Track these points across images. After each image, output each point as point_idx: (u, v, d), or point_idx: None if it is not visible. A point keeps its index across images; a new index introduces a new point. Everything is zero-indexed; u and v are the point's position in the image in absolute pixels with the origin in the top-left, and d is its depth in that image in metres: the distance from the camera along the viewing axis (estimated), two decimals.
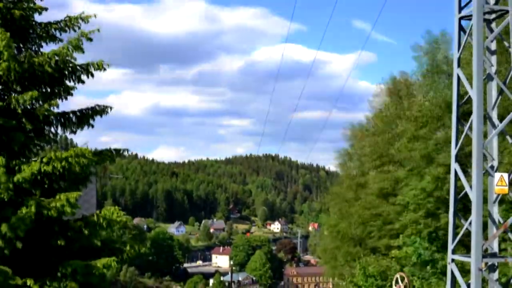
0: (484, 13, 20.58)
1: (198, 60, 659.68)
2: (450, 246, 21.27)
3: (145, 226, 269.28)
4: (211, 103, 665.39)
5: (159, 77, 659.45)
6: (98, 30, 17.54)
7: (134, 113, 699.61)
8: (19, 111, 16.10)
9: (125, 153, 18.37)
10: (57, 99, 17.30)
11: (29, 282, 14.90)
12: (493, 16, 21.17)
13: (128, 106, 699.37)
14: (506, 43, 21.80)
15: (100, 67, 17.62)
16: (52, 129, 17.60)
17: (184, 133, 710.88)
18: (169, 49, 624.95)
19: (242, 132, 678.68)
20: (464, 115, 22.99)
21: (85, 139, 17.88)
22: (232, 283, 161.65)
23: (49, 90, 17.53)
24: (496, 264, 21.22)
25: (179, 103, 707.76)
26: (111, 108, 18.19)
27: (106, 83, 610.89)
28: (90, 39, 17.36)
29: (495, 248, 21.03)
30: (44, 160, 15.58)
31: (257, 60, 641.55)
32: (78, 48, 17.15)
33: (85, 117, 17.82)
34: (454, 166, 21.22)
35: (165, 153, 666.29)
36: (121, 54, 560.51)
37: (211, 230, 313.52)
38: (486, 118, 21.06)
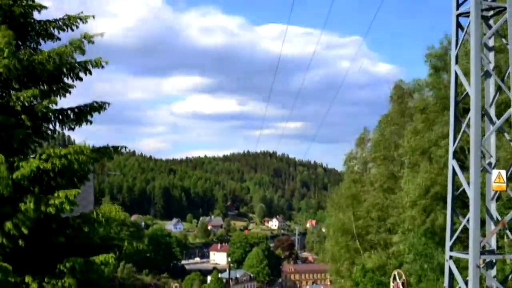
0: (482, 10, 20.62)
1: (286, 73, 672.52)
2: (448, 243, 21.30)
3: (143, 223, 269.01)
4: (276, 109, 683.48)
5: (238, 86, 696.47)
6: (102, 35, 17.58)
7: (185, 117, 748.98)
8: (18, 108, 16.10)
9: (123, 150, 18.36)
10: (56, 96, 17.32)
11: (27, 279, 14.92)
12: (491, 13, 21.19)
13: (182, 110, 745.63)
14: (504, 40, 21.80)
15: (98, 64, 17.63)
16: (50, 126, 17.64)
17: (227, 135, 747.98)
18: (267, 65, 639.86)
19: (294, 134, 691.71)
20: (462, 112, 23.01)
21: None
22: (230, 280, 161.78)
23: (47, 87, 17.54)
24: (494, 261, 21.26)
25: (241, 109, 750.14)
26: (108, 104, 18.18)
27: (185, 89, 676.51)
28: (92, 42, 17.39)
29: (493, 245, 21.06)
30: (43, 157, 15.57)
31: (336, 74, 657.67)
32: (80, 49, 17.18)
33: (82, 114, 17.80)
34: (452, 163, 21.24)
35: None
36: (217, 65, 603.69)
37: (209, 227, 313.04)
38: (484, 115, 21.09)
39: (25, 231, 14.79)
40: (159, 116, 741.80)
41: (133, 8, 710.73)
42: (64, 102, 17.79)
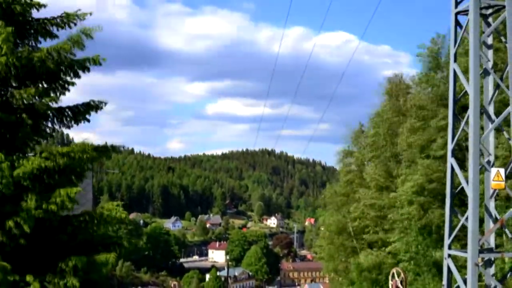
0: (481, 8, 20.59)
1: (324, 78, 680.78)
2: (447, 241, 21.30)
3: (141, 221, 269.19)
4: (310, 112, 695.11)
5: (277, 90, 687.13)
6: (100, 28, 17.54)
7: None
8: (19, 106, 16.09)
9: (121, 149, 18.35)
10: (55, 94, 17.32)
11: (28, 278, 14.90)
12: (490, 11, 21.17)
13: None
14: (503, 38, 21.78)
15: (96, 62, 17.60)
16: (49, 124, 17.63)
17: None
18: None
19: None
20: (460, 110, 23.01)
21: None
22: (228, 278, 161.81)
23: (46, 85, 17.53)
24: (493, 259, 21.26)
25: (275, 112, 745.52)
26: (105, 103, 18.18)
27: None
28: (91, 37, 17.34)
29: (492, 243, 21.06)
30: (44, 155, 15.58)
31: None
32: (79, 44, 17.14)
33: (80, 113, 17.80)
34: (451, 161, 21.23)
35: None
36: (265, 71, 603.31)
37: (208, 225, 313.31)
38: (483, 113, 21.08)
39: (27, 229, 14.77)
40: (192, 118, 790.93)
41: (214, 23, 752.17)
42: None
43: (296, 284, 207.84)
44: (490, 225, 20.91)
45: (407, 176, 39.96)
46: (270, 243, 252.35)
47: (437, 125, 35.93)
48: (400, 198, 40.04)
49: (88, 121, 18.03)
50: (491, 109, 21.12)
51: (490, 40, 21.37)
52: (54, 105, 17.23)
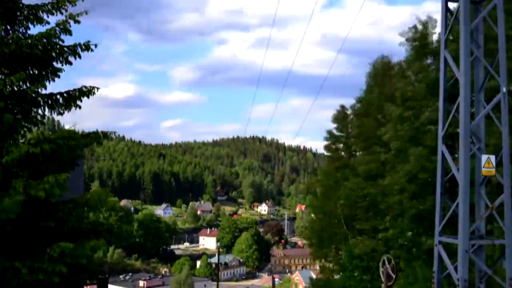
0: None
1: None
2: (437, 228, 21.32)
3: (132, 208, 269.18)
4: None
5: None
6: (86, 13, 17.46)
7: None
8: (7, 93, 16.00)
9: (112, 136, 18.30)
10: (45, 81, 17.24)
11: (17, 264, 14.87)
12: None
13: None
14: (494, 27, 21.74)
15: (87, 48, 17.53)
16: (40, 111, 17.55)
17: None
18: None
19: None
20: (451, 97, 23.00)
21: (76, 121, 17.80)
22: (219, 265, 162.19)
23: (36, 72, 17.44)
24: (483, 246, 21.32)
25: None
26: (97, 89, 18.11)
27: None
28: (78, 22, 17.27)
29: (482, 230, 21.13)
30: (32, 141, 15.49)
31: None
32: (66, 30, 17.07)
33: (72, 99, 17.73)
34: (441, 148, 21.23)
35: None
36: None
37: (198, 212, 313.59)
38: (473, 100, 21.09)
39: (12, 216, 14.69)
40: None
41: None
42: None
43: (287, 271, 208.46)
44: (481, 211, 20.96)
45: (395, 164, 39.87)
46: (261, 230, 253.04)
47: (430, 117, 35.77)
48: (391, 185, 39.95)
49: (80, 107, 17.96)
50: (481, 96, 21.12)
51: (481, 27, 21.34)
52: (45, 91, 17.20)
